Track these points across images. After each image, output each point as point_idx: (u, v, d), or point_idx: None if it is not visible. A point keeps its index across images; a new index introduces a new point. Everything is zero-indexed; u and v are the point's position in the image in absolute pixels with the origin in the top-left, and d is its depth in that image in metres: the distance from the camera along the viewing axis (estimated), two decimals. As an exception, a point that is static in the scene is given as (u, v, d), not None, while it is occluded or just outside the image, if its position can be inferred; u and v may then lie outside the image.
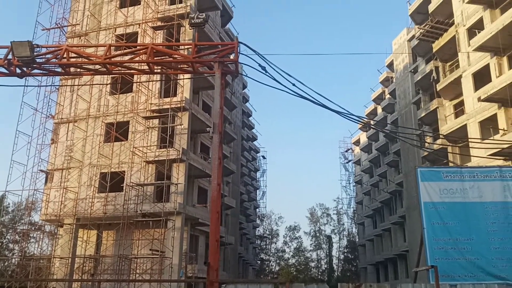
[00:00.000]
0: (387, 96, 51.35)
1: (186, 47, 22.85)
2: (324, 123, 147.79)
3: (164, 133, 25.22)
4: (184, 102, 25.25)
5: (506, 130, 24.95)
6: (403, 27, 46.75)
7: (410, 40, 43.59)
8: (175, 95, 26.04)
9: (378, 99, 56.45)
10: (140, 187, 24.72)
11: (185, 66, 14.15)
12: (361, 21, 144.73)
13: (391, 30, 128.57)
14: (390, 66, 51.21)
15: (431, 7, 34.01)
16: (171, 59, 13.78)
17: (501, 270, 11.62)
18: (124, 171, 25.66)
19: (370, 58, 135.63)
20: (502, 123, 25.71)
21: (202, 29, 24.67)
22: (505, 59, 26.39)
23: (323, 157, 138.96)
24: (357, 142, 67.49)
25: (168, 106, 25.12)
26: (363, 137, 62.99)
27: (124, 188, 25.14)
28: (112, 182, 25.28)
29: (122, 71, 15.88)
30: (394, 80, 49.60)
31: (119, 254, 23.88)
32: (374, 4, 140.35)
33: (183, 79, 25.42)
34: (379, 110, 55.49)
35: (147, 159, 25.06)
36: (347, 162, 72.75)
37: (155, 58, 13.72)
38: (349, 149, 72.17)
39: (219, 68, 12.29)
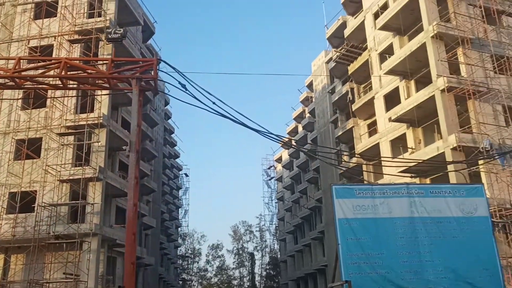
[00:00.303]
0: (307, 115, 53.12)
1: (104, 62, 22.16)
2: (248, 140, 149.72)
3: (79, 150, 24.14)
4: (101, 118, 24.40)
5: (414, 149, 26.70)
6: (322, 49, 49.00)
7: (328, 62, 45.57)
8: (92, 111, 25.08)
9: (299, 118, 58.22)
10: (53, 207, 23.35)
11: (101, 82, 13.69)
12: (286, 42, 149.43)
13: (313, 51, 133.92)
14: (310, 86, 53.16)
15: (347, 32, 35.89)
16: (86, 74, 13.27)
17: (409, 283, 12.24)
18: (35, 191, 24.14)
19: (294, 78, 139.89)
20: (410, 142, 27.49)
21: (122, 44, 24.14)
22: (412, 82, 28.35)
23: (247, 174, 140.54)
24: (279, 159, 68.88)
25: (85, 123, 24.13)
26: (285, 155, 64.45)
27: (35, 208, 23.63)
28: (23, 202, 23.66)
29: (33, 86, 15.03)
30: (313, 100, 51.46)
31: (29, 279, 22.27)
32: (297, 27, 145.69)
33: (101, 95, 24.59)
34: (300, 128, 57.19)
35: (61, 178, 23.78)
36: (269, 179, 73.98)
37: (69, 73, 13.16)
38: (271, 166, 73.48)
39: (137, 85, 12.03)
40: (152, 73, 12.83)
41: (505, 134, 23.11)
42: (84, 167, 23.63)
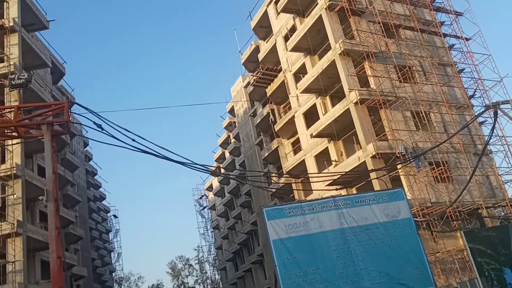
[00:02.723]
0: (232, 140, 53.36)
1: (11, 110, 20.93)
2: (176, 172, 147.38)
3: (-7, 206, 22.43)
4: (15, 168, 22.90)
5: (337, 161, 27.64)
6: (239, 74, 49.75)
7: (246, 86, 46.33)
8: (3, 162, 23.52)
9: (225, 144, 58.31)
10: (-32, 272, 21.38)
11: (9, 131, 12.88)
12: (204, 71, 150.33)
13: (231, 77, 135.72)
14: (232, 111, 53.61)
15: (260, 56, 36.83)
16: (-10, 125, 12.43)
17: (347, 293, 12.55)
18: None
19: (216, 106, 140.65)
20: (333, 155, 28.42)
21: (29, 88, 23.04)
22: (328, 98, 29.50)
23: (180, 207, 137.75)
24: (210, 188, 68.23)
25: (-4, 176, 22.54)
26: (215, 182, 63.99)
27: None
28: None
29: None
30: (236, 125, 51.90)
31: None
32: (213, 55, 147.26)
33: (12, 144, 23.13)
34: (227, 154, 57.24)
35: (-26, 238, 21.87)
36: (202, 209, 72.92)
37: (-29, 125, 12.27)
38: (203, 196, 72.52)
39: (48, 130, 11.45)
40: (64, 116, 12.31)
41: (417, 138, 24.62)
42: (0, 223, 21.93)
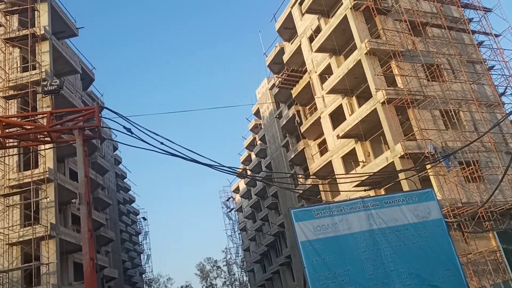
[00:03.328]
0: (258, 142, 53.42)
1: (44, 115, 21.53)
2: (203, 175, 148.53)
3: (27, 209, 23.07)
4: (47, 173, 23.53)
5: (365, 162, 27.35)
6: (264, 76, 49.85)
7: (271, 88, 46.36)
8: (36, 166, 24.20)
9: (251, 146, 58.44)
10: (5, 274, 22.02)
11: (42, 136, 13.27)
12: (229, 74, 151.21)
13: (256, 79, 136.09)
14: (257, 113, 53.72)
15: (285, 58, 36.81)
16: (25, 130, 12.83)
17: (378, 294, 12.39)
18: (-17, 259, 22.72)
19: (242, 109, 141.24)
20: (360, 155, 28.14)
21: (61, 94, 23.65)
22: (354, 98, 29.24)
23: (207, 209, 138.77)
24: (236, 190, 68.46)
25: (30, 180, 23.17)
26: (242, 184, 64.18)
27: (-16, 278, 22.18)
28: (-31, 273, 22.20)
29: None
30: (262, 127, 51.96)
31: None
32: (237, 58, 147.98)
33: (44, 149, 23.78)
34: (253, 156, 57.34)
35: (10, 241, 22.54)
36: (229, 211, 73.21)
37: (7, 131, 12.67)
38: (230, 198, 72.76)
39: (80, 135, 11.74)
40: (95, 121, 12.60)
41: (446, 137, 24.17)
42: (34, 226, 22.58)
